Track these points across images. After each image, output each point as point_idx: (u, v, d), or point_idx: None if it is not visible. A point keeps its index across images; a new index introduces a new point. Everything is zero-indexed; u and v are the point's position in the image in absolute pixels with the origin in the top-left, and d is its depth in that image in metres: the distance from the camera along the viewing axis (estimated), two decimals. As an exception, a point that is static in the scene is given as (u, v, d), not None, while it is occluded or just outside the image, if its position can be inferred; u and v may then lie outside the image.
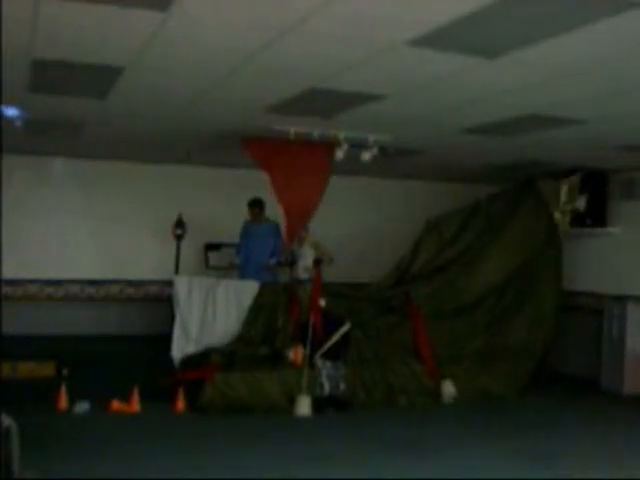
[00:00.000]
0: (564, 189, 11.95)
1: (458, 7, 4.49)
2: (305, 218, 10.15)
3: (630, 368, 11.04)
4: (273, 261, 11.65)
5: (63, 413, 8.85)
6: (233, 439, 8.06)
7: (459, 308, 11.48)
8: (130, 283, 12.50)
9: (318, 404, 9.33)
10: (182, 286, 10.52)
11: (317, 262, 10.50)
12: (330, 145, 9.42)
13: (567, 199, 11.93)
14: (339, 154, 9.32)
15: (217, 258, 12.50)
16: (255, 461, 7.30)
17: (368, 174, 13.07)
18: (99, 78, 6.65)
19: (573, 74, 6.02)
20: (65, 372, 10.21)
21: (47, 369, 10.27)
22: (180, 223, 11.41)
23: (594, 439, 8.63)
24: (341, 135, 9.10)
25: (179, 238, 11.39)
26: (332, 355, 9.82)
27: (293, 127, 8.82)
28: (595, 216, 11.88)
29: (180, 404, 9.11)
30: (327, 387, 9.54)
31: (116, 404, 8.99)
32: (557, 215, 12.00)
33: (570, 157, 10.58)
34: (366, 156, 9.49)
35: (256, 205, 11.51)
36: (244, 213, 11.61)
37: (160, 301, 12.15)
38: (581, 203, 11.79)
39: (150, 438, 7.99)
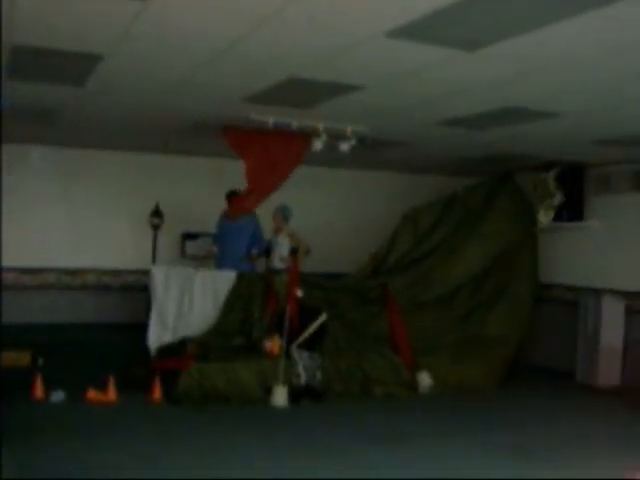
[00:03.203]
0: (541, 182, 12.02)
1: (438, -1, 4.51)
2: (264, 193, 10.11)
3: (605, 361, 11.14)
4: (255, 251, 11.63)
5: (39, 402, 8.80)
6: (210, 429, 8.05)
7: (436, 299, 11.53)
8: (107, 272, 12.46)
9: (294, 394, 9.33)
10: (159, 275, 10.48)
11: (293, 252, 10.50)
12: (306, 135, 9.43)
13: (544, 193, 12.00)
14: (318, 145, 9.33)
15: (194, 248, 12.50)
16: (232, 452, 7.29)
17: (347, 166, 13.10)
18: (78, 65, 6.62)
19: (552, 68, 6.05)
20: (41, 361, 10.19)
21: (23, 358, 10.25)
22: (157, 212, 11.39)
23: (572, 432, 8.65)
24: (320, 126, 9.10)
25: (156, 227, 11.37)
26: (309, 345, 9.83)
27: (272, 117, 8.82)
28: (572, 210, 11.96)
29: (156, 393, 9.07)
30: (303, 377, 9.54)
31: (92, 393, 8.95)
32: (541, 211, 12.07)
33: (547, 151, 10.64)
34: (344, 147, 9.50)
35: (234, 197, 11.48)
36: (222, 203, 11.58)
37: (137, 290, 12.13)
38: (558, 198, 11.88)
39: (126, 427, 7.95)
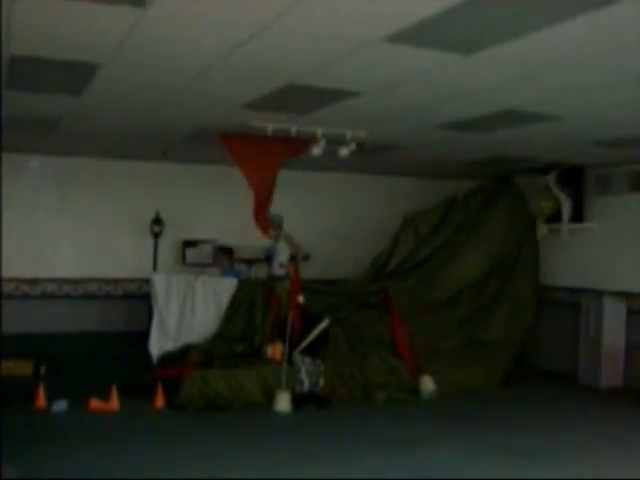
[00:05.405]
0: (542, 186, 12.02)
1: (435, 3, 4.50)
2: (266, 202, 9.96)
3: (607, 362, 11.14)
4: None
5: (41, 412, 8.79)
6: (213, 436, 8.04)
7: (437, 304, 11.52)
8: (108, 281, 12.44)
9: (297, 400, 9.33)
10: (160, 283, 10.49)
11: (293, 258, 10.51)
12: (305, 140, 9.42)
13: (546, 196, 12.01)
14: (317, 150, 9.32)
15: (195, 255, 12.49)
16: (236, 458, 7.29)
17: (347, 170, 13.08)
18: (76, 75, 6.61)
19: (549, 70, 6.04)
20: (43, 370, 10.18)
21: (25, 367, 10.24)
22: (158, 220, 11.39)
23: (575, 434, 8.65)
24: (319, 131, 9.10)
25: (157, 235, 11.37)
26: (311, 351, 9.82)
27: (271, 124, 8.81)
28: (572, 212, 11.96)
29: (159, 401, 9.08)
30: (306, 383, 9.53)
31: (94, 402, 8.94)
32: (541, 206, 12.07)
33: (547, 153, 10.63)
34: (344, 152, 9.49)
35: (226, 252, 11.78)
36: (221, 209, 11.62)
37: (138, 298, 12.11)
38: (566, 206, 11.93)
39: (129, 436, 7.95)
